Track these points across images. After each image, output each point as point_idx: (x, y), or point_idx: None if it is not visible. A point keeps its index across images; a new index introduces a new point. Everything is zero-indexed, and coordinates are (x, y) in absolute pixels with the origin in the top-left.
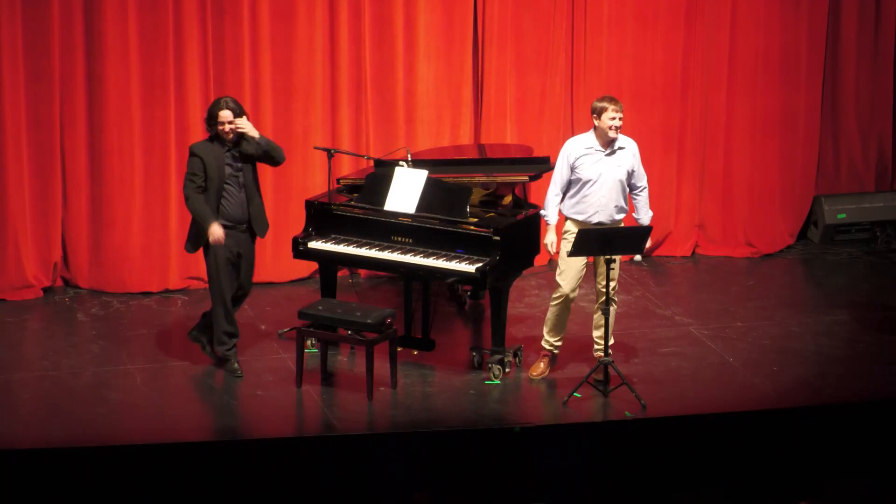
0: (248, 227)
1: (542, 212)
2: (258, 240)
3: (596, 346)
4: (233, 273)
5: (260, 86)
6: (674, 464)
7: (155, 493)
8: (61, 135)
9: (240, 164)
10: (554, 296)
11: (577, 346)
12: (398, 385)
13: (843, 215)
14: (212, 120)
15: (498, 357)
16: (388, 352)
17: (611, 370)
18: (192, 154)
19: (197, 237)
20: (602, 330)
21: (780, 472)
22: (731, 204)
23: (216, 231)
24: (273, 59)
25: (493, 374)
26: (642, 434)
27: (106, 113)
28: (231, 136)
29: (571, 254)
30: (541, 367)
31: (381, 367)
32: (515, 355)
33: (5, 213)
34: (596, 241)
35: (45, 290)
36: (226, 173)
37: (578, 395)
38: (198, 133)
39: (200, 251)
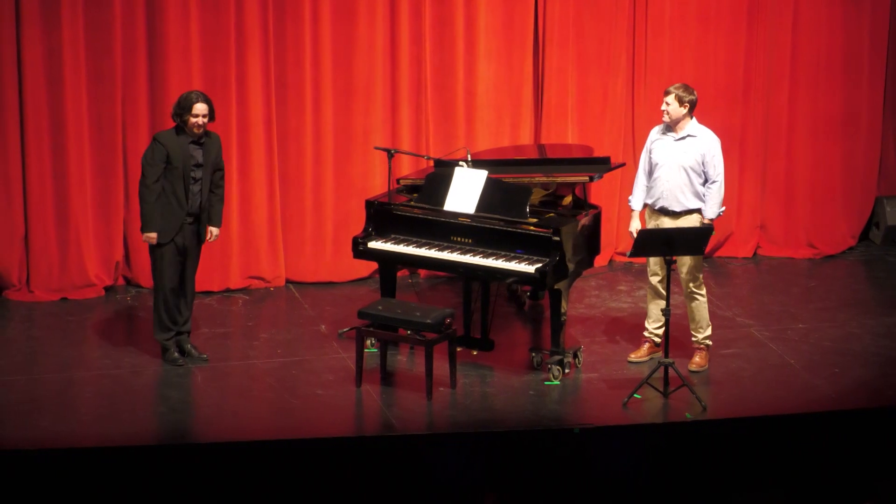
0: (198, 223)
1: (629, 197)
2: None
3: (692, 337)
4: (177, 265)
5: (321, 86)
6: (734, 466)
7: (215, 492)
8: (123, 135)
9: (201, 160)
10: (648, 284)
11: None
12: (457, 385)
13: None
14: (182, 111)
15: (557, 358)
16: (448, 352)
17: (671, 371)
18: (157, 142)
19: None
20: (695, 324)
21: (841, 473)
22: (792, 205)
23: (152, 237)
24: (334, 60)
25: (553, 375)
26: (702, 436)
27: (168, 113)
28: (201, 129)
29: (632, 254)
30: (641, 351)
31: (441, 367)
32: (575, 356)
33: (68, 213)
34: (657, 242)
35: (107, 289)
36: (188, 165)
37: (638, 397)
38: (258, 132)
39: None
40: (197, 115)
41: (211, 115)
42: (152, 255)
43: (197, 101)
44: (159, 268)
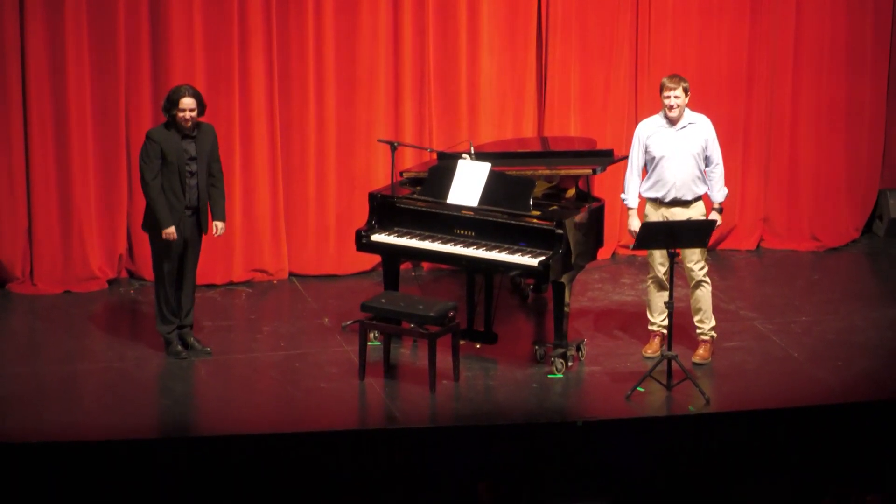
0: (197, 215)
1: (622, 196)
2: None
3: (696, 329)
4: (177, 259)
5: (323, 78)
6: (737, 459)
7: (219, 485)
8: (126, 127)
9: (194, 153)
10: (648, 277)
11: (645, 338)
12: (460, 378)
13: None
14: (171, 105)
15: (561, 351)
16: (451, 345)
17: (674, 364)
18: (150, 139)
19: (154, 221)
20: (700, 314)
21: (845, 466)
22: (796, 197)
23: (171, 232)
24: (336, 51)
25: (556, 368)
26: (706, 429)
27: None
28: (190, 123)
29: (636, 247)
30: (653, 345)
31: (444, 360)
32: (578, 349)
33: (71, 206)
34: (660, 234)
35: (111, 281)
36: (182, 159)
37: (642, 390)
38: (261, 124)
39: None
40: (184, 110)
41: (200, 108)
42: (153, 248)
43: (184, 96)
44: (159, 261)
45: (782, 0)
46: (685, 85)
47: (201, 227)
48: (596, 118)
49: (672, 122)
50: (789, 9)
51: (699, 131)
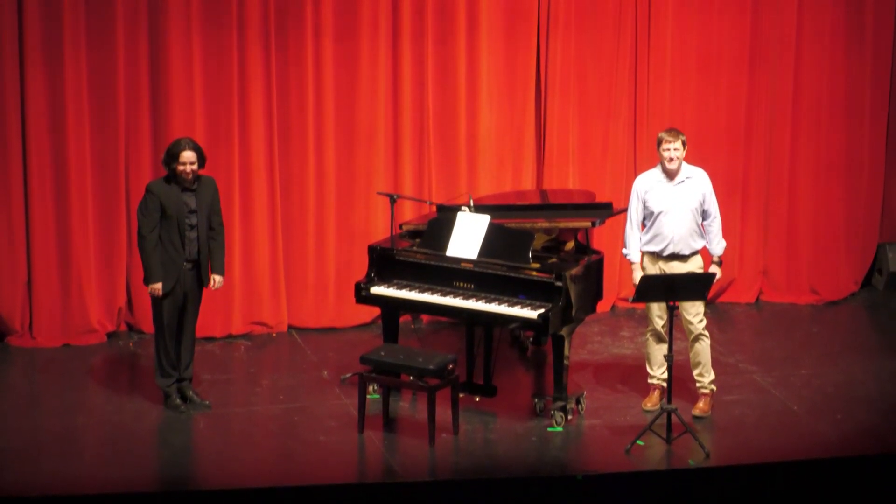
0: (197, 268)
1: (623, 251)
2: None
3: (696, 382)
4: (177, 312)
5: (323, 131)
6: None
7: None
8: (126, 181)
9: (194, 206)
10: (646, 330)
11: (645, 391)
12: (460, 431)
13: None
14: (171, 159)
15: (560, 404)
16: (450, 398)
17: (674, 418)
18: (150, 192)
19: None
20: (700, 367)
21: None
22: (795, 251)
23: (157, 288)
24: (336, 105)
25: (556, 421)
26: (706, 483)
27: None
28: (190, 176)
29: (635, 300)
30: (653, 398)
31: (443, 413)
32: (578, 402)
33: (70, 259)
34: (660, 287)
35: (109, 335)
36: (182, 212)
37: (641, 443)
38: (261, 177)
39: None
40: (185, 163)
41: (200, 161)
42: (153, 301)
43: (184, 149)
44: (159, 314)
45: (781, 53)
46: (683, 138)
47: (202, 281)
48: (595, 171)
49: (670, 175)
50: (788, 61)
51: (697, 185)
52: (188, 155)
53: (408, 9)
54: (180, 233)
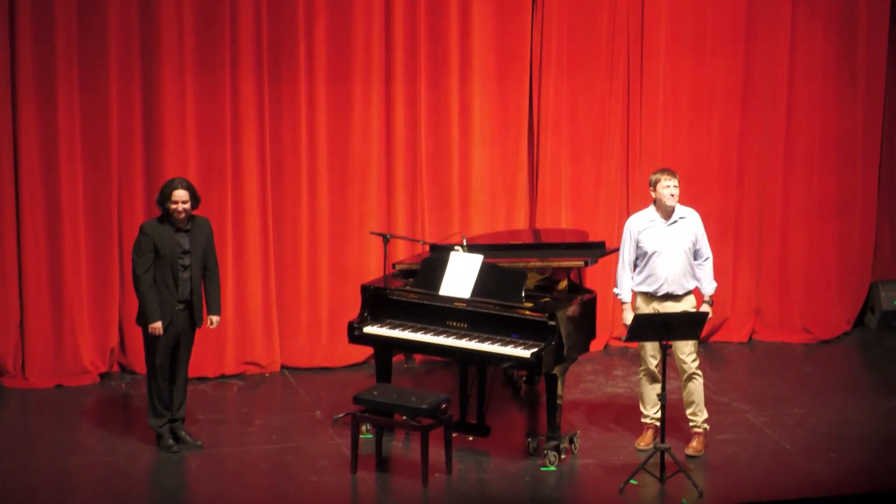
0: (190, 309)
1: (615, 290)
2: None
3: (689, 422)
4: (169, 352)
5: (316, 171)
6: None
7: None
8: (119, 221)
9: (188, 247)
10: (640, 369)
11: (638, 430)
12: (453, 471)
13: None
14: (164, 198)
15: (554, 443)
16: (444, 437)
17: (668, 457)
18: (143, 233)
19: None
20: (692, 406)
21: None
22: (787, 289)
23: (158, 327)
24: (329, 145)
25: (549, 461)
26: None
27: None
28: (182, 215)
29: (628, 339)
30: (646, 438)
31: (436, 452)
32: (571, 441)
33: (63, 299)
34: (653, 326)
35: (102, 375)
36: (176, 252)
37: (635, 482)
38: (254, 216)
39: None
40: (176, 202)
41: (193, 201)
42: (145, 341)
43: (176, 188)
44: (151, 354)
45: (773, 92)
46: (677, 177)
47: (194, 322)
48: (587, 211)
49: (665, 215)
50: (780, 101)
51: (689, 226)
52: (180, 194)
53: (400, 50)
54: (173, 273)
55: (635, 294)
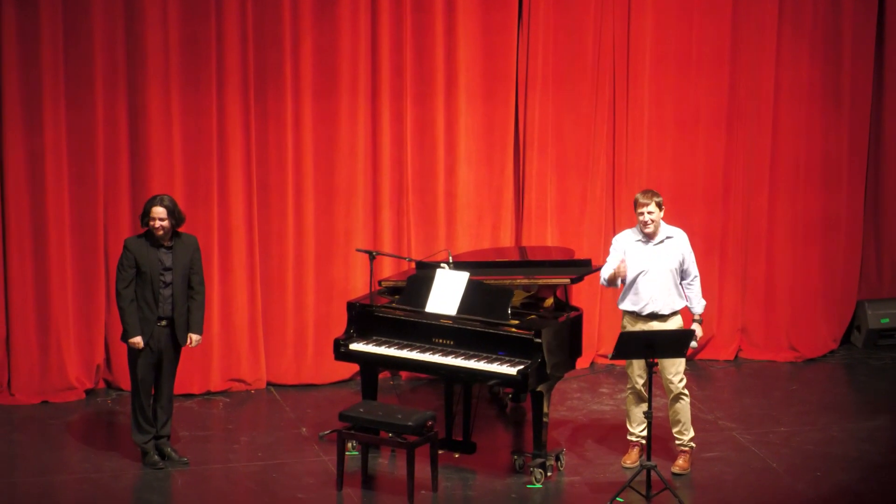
0: (171, 326)
1: (601, 275)
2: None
3: (676, 440)
4: (152, 369)
5: (302, 188)
6: None
7: None
8: (105, 238)
9: (169, 264)
10: (627, 387)
11: (624, 448)
12: (439, 488)
13: (887, 320)
14: (144, 215)
15: (539, 461)
16: (429, 455)
17: (654, 475)
18: (126, 248)
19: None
20: (679, 426)
21: None
22: (773, 308)
23: (137, 342)
24: (315, 162)
25: (535, 478)
26: None
27: None
28: (161, 232)
29: (614, 357)
30: (632, 455)
31: (422, 469)
32: (557, 459)
33: (49, 316)
34: (639, 344)
35: (88, 392)
36: (157, 269)
37: (621, 500)
38: (240, 234)
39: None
40: (154, 219)
41: (173, 218)
42: (129, 358)
43: (155, 205)
44: (135, 371)
45: (759, 113)
46: (658, 199)
47: (177, 340)
48: (573, 228)
49: (648, 237)
50: (766, 122)
51: (676, 246)
52: (158, 210)
53: (386, 68)
54: (153, 290)
55: (624, 312)
